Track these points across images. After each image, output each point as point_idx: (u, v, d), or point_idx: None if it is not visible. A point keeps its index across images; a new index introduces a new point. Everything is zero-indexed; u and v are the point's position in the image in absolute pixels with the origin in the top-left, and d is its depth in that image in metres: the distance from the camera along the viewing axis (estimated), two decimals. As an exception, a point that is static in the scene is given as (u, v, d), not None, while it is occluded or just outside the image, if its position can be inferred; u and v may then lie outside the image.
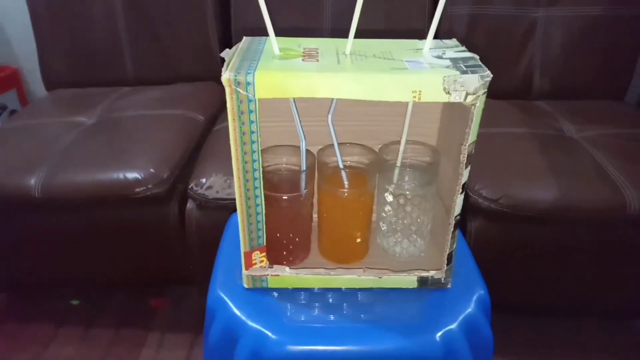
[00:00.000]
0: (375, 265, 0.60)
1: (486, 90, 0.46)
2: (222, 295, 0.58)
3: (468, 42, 1.30)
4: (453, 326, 0.54)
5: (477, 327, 0.56)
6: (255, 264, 0.57)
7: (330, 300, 0.58)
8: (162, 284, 1.25)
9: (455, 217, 0.53)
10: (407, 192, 0.59)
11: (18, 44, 1.56)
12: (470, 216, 0.97)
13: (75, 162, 1.01)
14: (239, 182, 0.51)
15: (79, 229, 1.05)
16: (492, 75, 0.46)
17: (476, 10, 1.26)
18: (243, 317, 0.56)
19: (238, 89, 0.46)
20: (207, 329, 0.62)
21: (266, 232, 0.55)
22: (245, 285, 0.59)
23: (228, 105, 0.47)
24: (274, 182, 0.60)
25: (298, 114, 0.56)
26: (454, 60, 0.49)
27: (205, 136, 1.16)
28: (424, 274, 0.58)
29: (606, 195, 0.91)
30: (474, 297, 0.58)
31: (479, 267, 0.65)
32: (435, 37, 0.52)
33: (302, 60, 0.49)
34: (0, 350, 1.11)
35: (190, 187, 0.99)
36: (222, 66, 0.48)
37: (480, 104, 0.47)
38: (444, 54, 0.51)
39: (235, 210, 0.54)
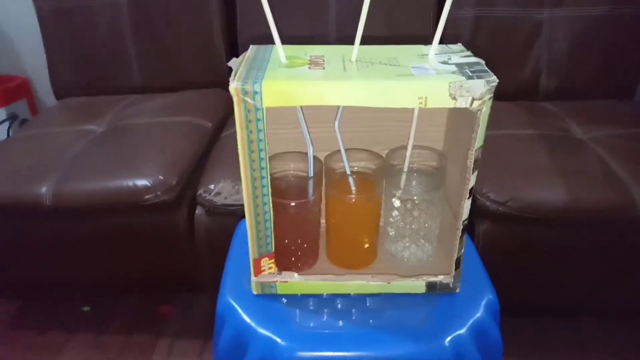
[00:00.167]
0: (383, 270, 0.60)
1: (492, 95, 0.46)
2: (232, 301, 0.59)
3: (473, 45, 1.30)
4: (462, 331, 0.54)
5: (486, 331, 0.56)
6: (264, 270, 0.57)
7: (339, 306, 0.58)
8: (171, 290, 1.26)
9: (463, 222, 0.53)
10: (415, 197, 0.59)
11: (28, 55, 1.58)
12: (478, 219, 0.96)
13: (85, 170, 1.02)
14: (247, 190, 0.52)
15: (89, 236, 1.06)
16: (498, 81, 0.46)
17: (481, 12, 1.26)
18: (253, 324, 0.56)
19: (245, 98, 0.46)
20: (216, 335, 0.62)
21: (274, 238, 0.56)
22: (254, 292, 0.59)
23: (236, 114, 0.47)
24: (281, 189, 0.60)
25: (305, 121, 0.57)
26: (460, 66, 0.49)
27: (213, 142, 1.17)
28: (433, 279, 0.58)
29: (614, 196, 0.91)
30: (483, 302, 0.58)
31: (487, 270, 0.65)
32: (441, 40, 0.52)
33: (309, 68, 0.49)
34: (13, 358, 1.12)
35: (198, 193, 0.99)
36: (229, 74, 0.48)
37: (486, 109, 0.47)
38: (450, 59, 0.51)
39: (243, 216, 0.54)
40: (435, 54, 0.52)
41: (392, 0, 1.25)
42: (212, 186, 0.98)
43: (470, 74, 0.47)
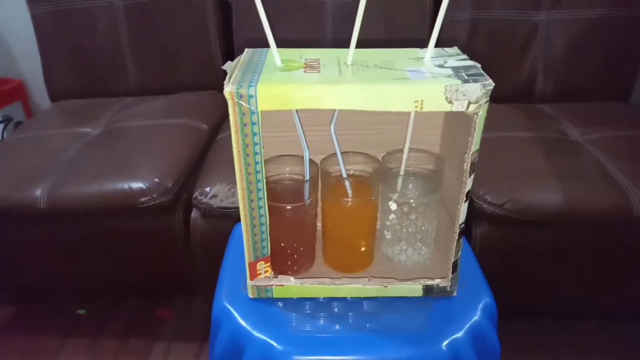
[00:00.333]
0: (380, 273, 0.60)
1: (488, 99, 0.46)
2: (228, 305, 0.58)
3: (470, 47, 1.30)
4: (459, 335, 0.54)
5: (483, 335, 0.56)
6: (260, 274, 0.57)
7: (336, 310, 0.58)
8: (167, 293, 1.25)
9: (460, 225, 0.53)
10: (411, 200, 0.59)
11: (22, 57, 1.57)
12: (475, 221, 0.96)
13: (80, 172, 1.02)
14: (242, 194, 0.52)
15: (84, 239, 1.06)
16: (494, 84, 0.46)
17: (477, 15, 1.26)
18: (248, 328, 0.56)
19: (240, 101, 0.46)
20: (212, 339, 0.62)
21: (270, 242, 0.55)
22: (250, 296, 0.59)
23: (231, 117, 0.47)
24: (277, 192, 0.60)
25: (301, 124, 0.56)
26: (456, 69, 0.49)
27: (209, 145, 1.17)
28: (429, 282, 0.58)
29: (611, 198, 0.91)
30: (480, 305, 0.58)
31: (484, 272, 0.64)
32: (437, 43, 0.52)
33: (304, 71, 0.49)
34: (9, 362, 1.11)
35: (194, 196, 0.99)
36: (225, 77, 0.48)
37: (482, 113, 0.47)
38: (446, 62, 0.51)
39: (239, 219, 0.54)
40: (431, 57, 0.52)
41: (388, 3, 1.25)
42: (208, 189, 0.98)
43: (467, 77, 0.47)
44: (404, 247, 0.62)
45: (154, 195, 0.97)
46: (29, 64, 1.55)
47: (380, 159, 0.61)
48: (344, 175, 0.58)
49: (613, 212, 0.91)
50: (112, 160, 1.05)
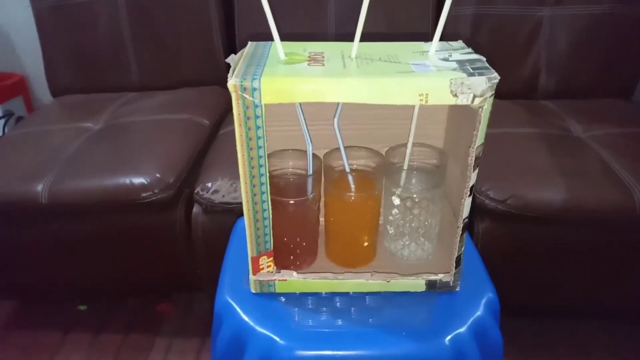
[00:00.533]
0: (383, 268, 0.60)
1: (494, 92, 0.46)
2: (230, 300, 0.58)
3: (473, 42, 1.29)
4: (462, 330, 0.54)
5: (486, 330, 0.56)
6: (263, 269, 0.57)
7: (338, 305, 0.58)
8: (169, 289, 1.25)
9: (464, 220, 0.53)
10: (414, 195, 0.58)
11: (24, 52, 1.57)
12: (478, 217, 0.96)
13: (82, 168, 1.01)
14: (245, 188, 0.51)
15: (85, 235, 1.06)
16: (499, 77, 0.46)
17: (481, 10, 1.26)
18: (251, 323, 0.55)
19: (244, 94, 0.46)
20: (215, 334, 0.62)
21: (273, 236, 0.55)
22: (253, 290, 0.59)
23: (234, 110, 0.47)
24: (280, 187, 0.60)
25: (304, 118, 0.56)
26: (461, 63, 0.49)
27: (210, 140, 1.16)
28: (432, 277, 0.57)
29: (614, 195, 0.91)
30: (483, 300, 0.57)
31: (487, 268, 0.64)
32: (441, 38, 0.51)
33: (308, 64, 0.49)
34: (10, 359, 1.11)
35: (196, 191, 0.99)
36: (227, 71, 0.48)
37: (487, 106, 0.46)
38: (451, 56, 0.51)
39: (241, 214, 0.54)
40: (436, 51, 0.52)
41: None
42: (209, 184, 0.98)
43: (472, 70, 0.46)
44: (407, 242, 0.62)
45: (156, 191, 0.97)
46: (30, 59, 1.55)
47: (383, 153, 0.60)
48: (347, 170, 0.58)
49: (616, 209, 0.90)
50: (114, 156, 1.05)
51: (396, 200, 0.59)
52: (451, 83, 0.45)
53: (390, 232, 0.63)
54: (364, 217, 0.61)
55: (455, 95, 0.45)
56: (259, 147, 0.49)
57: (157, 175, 0.97)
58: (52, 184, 0.97)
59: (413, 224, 0.60)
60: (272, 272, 0.57)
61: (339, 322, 0.56)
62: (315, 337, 0.54)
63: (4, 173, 1.02)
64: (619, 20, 1.23)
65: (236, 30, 1.34)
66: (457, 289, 0.58)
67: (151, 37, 1.35)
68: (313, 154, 0.57)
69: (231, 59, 0.51)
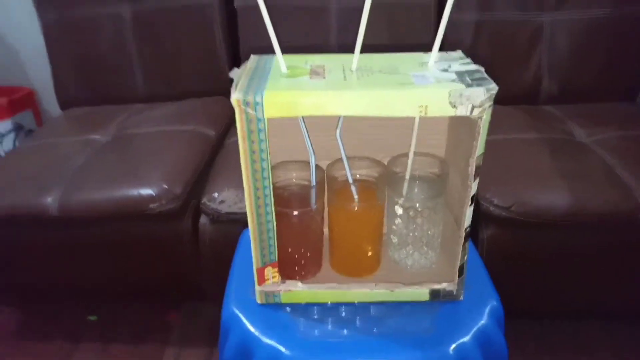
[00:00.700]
0: (387, 278, 0.60)
1: (492, 102, 0.47)
2: (236, 311, 0.59)
3: (475, 49, 1.30)
4: (466, 339, 0.54)
5: (490, 339, 0.56)
6: (268, 279, 0.58)
7: (343, 315, 0.58)
8: (176, 298, 1.26)
9: (466, 229, 0.53)
10: (417, 205, 0.59)
11: (33, 66, 1.59)
12: (482, 224, 0.96)
13: (91, 180, 1.03)
14: (250, 200, 0.52)
15: (94, 246, 1.07)
16: (497, 88, 0.46)
17: (482, 16, 1.26)
18: (257, 333, 0.56)
19: (247, 109, 0.47)
20: (222, 344, 0.62)
21: (278, 247, 0.56)
22: (258, 301, 0.59)
23: (238, 124, 0.48)
24: (284, 198, 0.61)
25: (307, 130, 0.57)
26: (460, 74, 0.49)
27: (216, 151, 1.18)
28: (436, 286, 0.58)
29: (618, 199, 0.91)
30: (487, 309, 0.58)
31: (492, 275, 0.64)
32: (442, 46, 0.52)
33: (309, 78, 0.50)
34: (21, 368, 1.13)
35: (203, 202, 1.00)
36: (232, 82, 0.49)
37: (486, 117, 0.47)
38: (450, 67, 0.52)
39: (247, 224, 0.55)
40: (435, 62, 0.53)
41: (393, 8, 1.25)
42: (216, 194, 0.99)
43: (470, 82, 0.47)
44: (411, 252, 0.62)
45: (163, 202, 0.98)
46: (38, 73, 1.57)
47: (385, 163, 0.61)
48: (350, 180, 0.59)
49: (620, 213, 0.90)
50: (122, 167, 1.06)
51: (399, 210, 0.60)
52: (450, 94, 0.46)
53: (393, 241, 0.63)
54: (368, 226, 0.61)
55: (454, 107, 0.46)
56: (263, 160, 0.50)
57: (165, 186, 0.99)
58: (62, 196, 0.99)
59: (416, 233, 0.61)
60: (277, 282, 0.58)
61: (344, 332, 0.56)
62: (321, 347, 0.55)
63: (15, 185, 1.04)
64: (619, 23, 1.24)
65: (240, 42, 1.35)
66: (461, 298, 0.59)
67: (156, 50, 1.37)
68: (316, 165, 0.58)
69: (234, 74, 0.52)
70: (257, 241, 0.55)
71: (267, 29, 0.50)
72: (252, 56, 0.57)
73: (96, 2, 1.33)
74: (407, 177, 0.59)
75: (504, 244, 0.96)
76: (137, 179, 1.01)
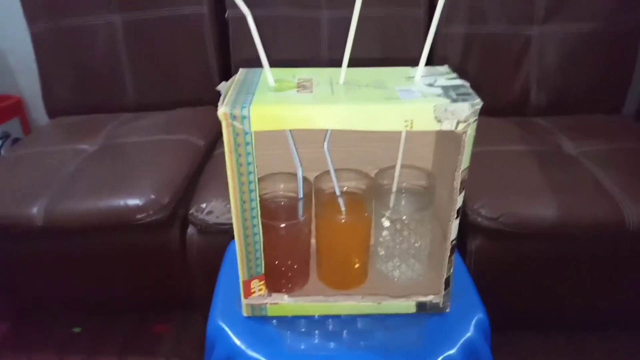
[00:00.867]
0: (374, 290, 0.60)
1: (477, 117, 0.47)
2: (222, 324, 0.59)
3: (464, 61, 1.31)
4: (452, 351, 0.54)
5: (477, 350, 0.56)
6: (254, 292, 0.57)
7: (330, 327, 0.58)
8: (164, 309, 1.25)
9: (452, 242, 0.54)
10: (404, 217, 0.59)
11: (21, 74, 1.58)
12: (470, 235, 0.97)
13: (78, 189, 1.02)
14: (236, 212, 0.52)
15: (81, 256, 1.06)
16: (482, 103, 0.47)
17: (471, 29, 1.27)
18: (243, 347, 0.56)
19: (234, 122, 0.47)
20: (207, 358, 0.62)
21: (264, 259, 0.56)
22: (245, 314, 0.59)
23: (225, 138, 0.48)
24: (271, 210, 0.61)
25: (294, 142, 0.57)
26: (445, 89, 0.50)
27: (205, 161, 1.17)
28: (422, 298, 0.58)
29: (605, 211, 0.92)
30: (473, 321, 0.58)
31: (480, 285, 0.65)
32: (431, 58, 0.52)
33: (297, 91, 0.50)
34: (4, 380, 1.11)
35: (190, 212, 0.99)
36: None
37: (471, 132, 0.48)
38: (436, 81, 0.52)
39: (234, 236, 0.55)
40: (422, 76, 0.53)
41: (383, 22, 1.27)
42: (204, 205, 0.99)
43: (455, 97, 0.47)
44: (398, 264, 0.62)
45: (151, 212, 0.97)
46: (27, 81, 1.56)
47: (373, 175, 0.61)
48: (338, 193, 0.59)
49: (606, 225, 0.91)
50: (109, 177, 1.05)
51: (386, 222, 0.60)
52: (435, 109, 0.46)
53: (380, 253, 0.63)
54: (355, 239, 0.61)
55: (440, 121, 0.47)
56: (249, 173, 0.50)
57: (152, 196, 0.98)
58: (47, 206, 0.98)
59: (403, 246, 0.61)
60: (263, 295, 0.58)
61: (331, 345, 0.56)
62: (307, 361, 0.54)
63: (0, 195, 1.03)
64: (606, 37, 1.26)
65: (231, 52, 1.35)
66: (447, 310, 0.59)
67: (147, 59, 1.37)
68: (303, 177, 0.58)
69: (222, 87, 0.52)
70: (244, 253, 0.54)
71: (255, 42, 0.50)
72: (240, 69, 0.57)
73: (87, 12, 1.33)
74: (394, 189, 0.59)
75: (492, 255, 0.97)
76: (124, 188, 1.00)
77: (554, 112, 1.31)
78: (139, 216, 0.97)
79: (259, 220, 0.53)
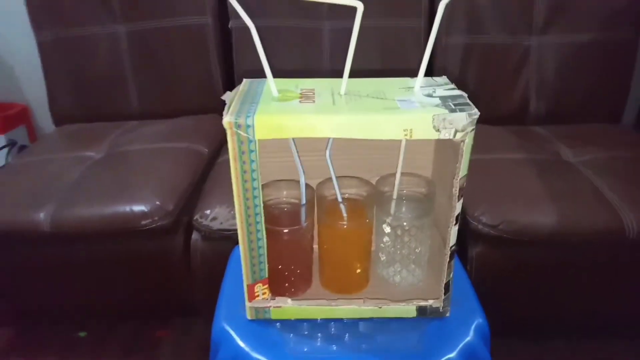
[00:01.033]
0: (375, 295, 0.61)
1: (474, 127, 0.49)
2: (227, 327, 0.60)
3: (464, 71, 1.32)
4: (452, 355, 0.55)
5: (476, 355, 0.57)
6: (258, 296, 0.59)
7: (332, 331, 0.59)
8: (168, 315, 1.26)
9: (451, 247, 0.55)
10: (405, 223, 0.61)
11: (27, 82, 1.61)
12: (471, 242, 0.98)
13: (84, 196, 1.04)
14: (241, 218, 0.53)
15: (85, 262, 1.07)
16: (479, 113, 0.49)
17: (471, 40, 1.29)
18: (247, 349, 0.57)
19: (239, 131, 0.48)
20: (212, 360, 0.63)
21: (268, 264, 0.57)
22: (249, 317, 0.60)
23: (229, 146, 0.49)
24: (274, 216, 0.62)
25: (297, 150, 0.59)
26: (444, 99, 0.51)
27: (209, 168, 1.19)
28: (423, 303, 0.59)
29: (604, 219, 0.93)
30: (473, 326, 0.59)
31: (481, 292, 0.66)
32: (431, 68, 0.54)
33: (300, 101, 0.52)
34: (8, 385, 1.12)
35: (195, 218, 1.01)
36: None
37: (469, 140, 0.49)
38: (434, 92, 0.54)
39: (238, 241, 0.56)
40: (421, 87, 0.55)
41: (384, 33, 1.29)
42: (208, 211, 1.00)
43: (453, 107, 0.49)
44: (399, 269, 0.64)
45: (156, 218, 0.99)
46: (33, 89, 1.58)
47: (374, 182, 0.63)
48: (339, 199, 0.60)
49: (606, 233, 0.92)
50: (114, 184, 1.07)
51: (387, 229, 0.61)
52: (434, 119, 0.48)
53: (382, 259, 0.65)
54: (356, 244, 0.63)
55: (438, 130, 0.48)
56: (253, 180, 0.51)
57: (157, 203, 1.00)
58: (54, 213, 1.00)
59: (404, 251, 0.62)
60: (267, 299, 0.59)
61: (333, 347, 0.57)
62: (310, 363, 0.56)
63: (7, 201, 1.05)
64: (604, 47, 1.28)
65: (234, 61, 1.37)
66: (447, 315, 0.60)
67: (151, 68, 1.39)
68: (306, 184, 0.60)
69: (227, 96, 0.54)
70: (248, 258, 0.56)
71: (259, 53, 0.52)
72: (244, 80, 0.59)
73: (92, 22, 1.35)
74: (395, 196, 0.61)
75: (492, 261, 0.98)
76: (129, 195, 1.02)
77: (552, 121, 1.32)
78: (144, 222, 0.98)
79: (262, 225, 0.54)
